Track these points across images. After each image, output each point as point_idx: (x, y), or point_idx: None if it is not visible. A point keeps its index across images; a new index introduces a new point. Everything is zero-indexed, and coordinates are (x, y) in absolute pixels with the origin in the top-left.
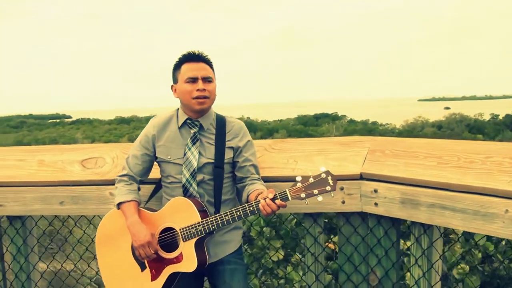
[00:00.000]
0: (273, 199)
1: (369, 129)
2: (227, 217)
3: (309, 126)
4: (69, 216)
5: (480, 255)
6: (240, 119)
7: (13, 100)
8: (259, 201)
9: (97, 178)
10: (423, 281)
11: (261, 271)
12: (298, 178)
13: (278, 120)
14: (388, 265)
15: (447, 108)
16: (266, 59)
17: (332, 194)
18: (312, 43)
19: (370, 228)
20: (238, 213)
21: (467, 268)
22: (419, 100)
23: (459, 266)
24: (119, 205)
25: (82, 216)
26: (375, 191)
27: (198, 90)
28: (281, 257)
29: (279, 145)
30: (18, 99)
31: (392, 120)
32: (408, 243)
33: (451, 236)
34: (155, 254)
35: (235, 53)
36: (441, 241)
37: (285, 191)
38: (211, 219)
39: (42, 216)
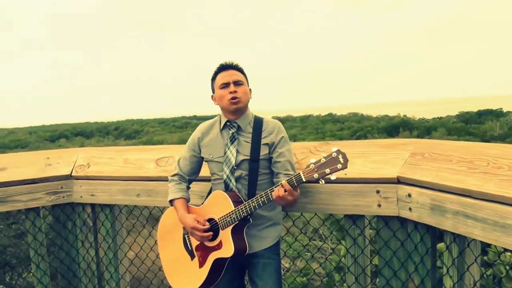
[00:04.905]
0: (286, 183)
1: None
2: (253, 203)
3: (471, 124)
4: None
5: None
6: (396, 117)
7: (180, 103)
8: (273, 188)
9: (166, 175)
10: None
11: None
12: (312, 160)
13: (438, 117)
14: (423, 273)
15: None
16: (421, 54)
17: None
18: (473, 33)
19: (408, 233)
20: (262, 199)
21: None
22: None
23: None
24: (171, 202)
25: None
26: (409, 195)
27: (230, 92)
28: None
29: (323, 147)
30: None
31: None
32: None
33: None
34: (207, 234)
35: (390, 49)
36: (471, 251)
37: (299, 173)
38: (241, 207)
39: (126, 205)
